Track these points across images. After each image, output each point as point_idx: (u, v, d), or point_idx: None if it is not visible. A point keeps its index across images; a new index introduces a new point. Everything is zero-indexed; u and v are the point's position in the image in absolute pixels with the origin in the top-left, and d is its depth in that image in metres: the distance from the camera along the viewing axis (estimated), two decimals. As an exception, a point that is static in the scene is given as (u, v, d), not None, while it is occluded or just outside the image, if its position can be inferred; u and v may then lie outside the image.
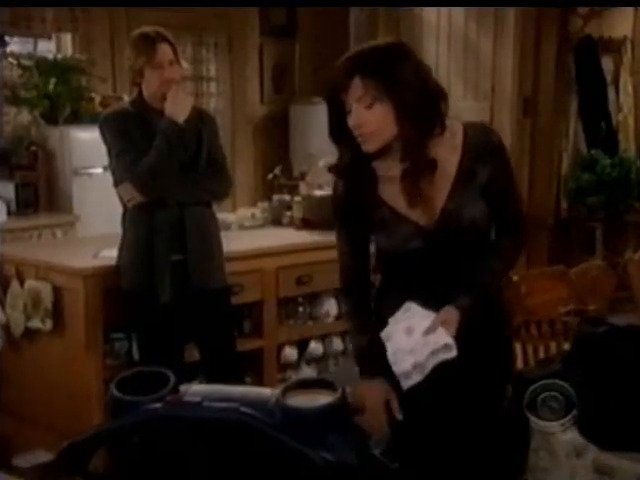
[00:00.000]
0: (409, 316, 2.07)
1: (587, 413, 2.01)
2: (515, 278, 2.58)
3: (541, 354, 2.78)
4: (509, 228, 2.13)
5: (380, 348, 2.06)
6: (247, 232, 4.45)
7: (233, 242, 3.88)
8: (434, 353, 2.01)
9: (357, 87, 1.96)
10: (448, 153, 2.06)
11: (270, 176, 4.92)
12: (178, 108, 3.35)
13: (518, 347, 2.68)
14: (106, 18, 6.04)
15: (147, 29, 3.42)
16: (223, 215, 4.37)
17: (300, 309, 4.24)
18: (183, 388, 1.50)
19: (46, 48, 5.90)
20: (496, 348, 2.16)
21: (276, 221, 4.62)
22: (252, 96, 7.09)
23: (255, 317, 4.05)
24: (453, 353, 2.01)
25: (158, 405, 1.43)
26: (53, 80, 5.43)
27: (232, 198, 6.64)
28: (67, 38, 5.94)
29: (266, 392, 1.49)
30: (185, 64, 3.58)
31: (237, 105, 7.01)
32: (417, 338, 2.02)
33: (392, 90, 1.95)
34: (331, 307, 4.31)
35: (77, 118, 5.43)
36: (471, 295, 2.06)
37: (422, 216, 2.07)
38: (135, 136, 3.36)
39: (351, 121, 1.99)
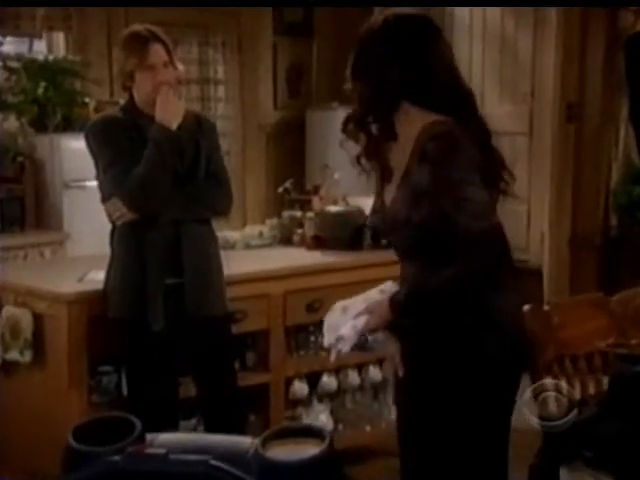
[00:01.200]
0: (361, 296, 2.41)
1: (626, 464, 1.95)
2: (546, 307, 2.52)
3: (577, 392, 2.69)
4: (457, 239, 2.19)
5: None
6: (253, 252, 4.41)
7: (236, 263, 3.86)
8: (337, 340, 2.30)
9: None
10: (407, 148, 2.29)
11: (280, 190, 4.88)
12: (169, 113, 3.34)
13: (550, 383, 2.52)
14: (103, 16, 6.06)
15: (139, 28, 3.42)
16: (227, 233, 4.40)
17: (311, 339, 4.18)
18: (150, 437, 1.45)
19: (42, 49, 5.93)
20: (450, 358, 2.26)
21: (286, 240, 4.58)
22: (264, 101, 7.11)
23: (260, 348, 4.01)
24: (345, 347, 2.29)
25: (118, 457, 1.38)
26: (43, 84, 5.44)
27: (242, 214, 6.66)
28: (59, 38, 5.95)
29: (245, 442, 1.43)
30: (180, 66, 3.57)
31: (248, 111, 7.02)
32: (345, 319, 2.33)
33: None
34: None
35: (69, 125, 5.44)
36: (407, 291, 2.28)
37: (388, 195, 2.37)
38: (125, 146, 3.35)
39: None
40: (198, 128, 3.50)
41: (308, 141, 6.95)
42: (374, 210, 2.47)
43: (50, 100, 5.42)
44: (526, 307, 2.41)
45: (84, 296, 3.47)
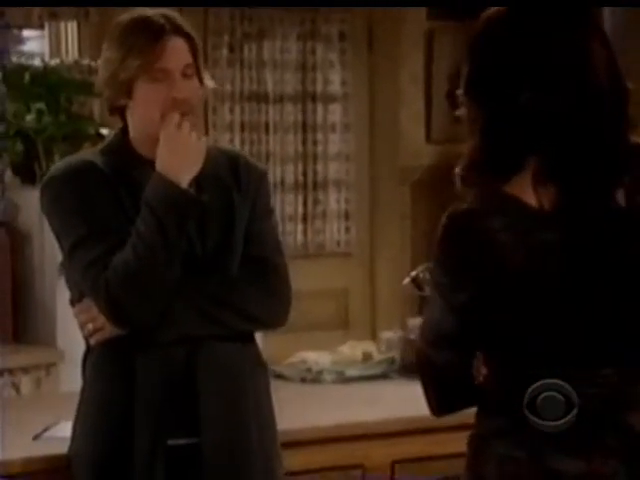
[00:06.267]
0: None
1: None
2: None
3: None
4: None
5: None
6: (350, 389, 4.55)
7: (312, 409, 4.12)
8: None
9: None
10: None
11: (407, 280, 4.76)
12: (179, 159, 3.34)
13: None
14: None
15: (149, 12, 3.45)
16: (307, 356, 4.61)
17: None
18: None
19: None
20: None
21: (410, 368, 4.54)
22: (411, 129, 7.22)
23: None
24: None
25: None
26: (36, 105, 5.58)
27: (369, 318, 6.59)
28: (70, 30, 6.05)
29: None
30: (210, 81, 3.59)
31: (381, 146, 7.14)
32: None
33: None
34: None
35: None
36: None
37: None
38: (104, 213, 3.38)
39: None
40: (233, 180, 3.50)
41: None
42: None
43: (44, 132, 5.53)
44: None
45: (36, 465, 3.56)
